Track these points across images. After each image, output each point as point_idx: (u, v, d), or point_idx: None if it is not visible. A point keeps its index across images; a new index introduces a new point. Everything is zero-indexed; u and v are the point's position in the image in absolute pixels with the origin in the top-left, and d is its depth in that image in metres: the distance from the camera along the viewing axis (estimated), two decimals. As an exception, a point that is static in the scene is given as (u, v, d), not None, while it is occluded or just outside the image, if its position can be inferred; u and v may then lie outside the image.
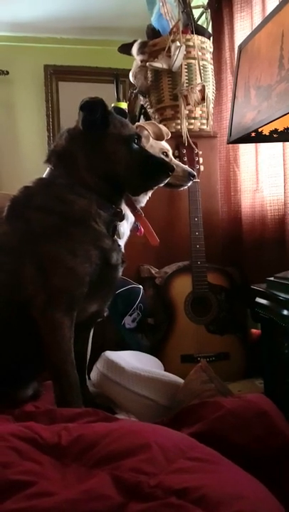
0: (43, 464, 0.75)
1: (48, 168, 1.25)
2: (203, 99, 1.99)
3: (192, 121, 2.05)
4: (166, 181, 1.32)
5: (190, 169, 1.72)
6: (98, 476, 0.70)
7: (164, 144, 1.71)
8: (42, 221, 1.15)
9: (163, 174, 1.28)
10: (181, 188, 1.73)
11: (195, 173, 1.74)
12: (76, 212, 1.16)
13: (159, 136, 1.61)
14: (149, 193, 1.63)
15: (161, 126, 1.66)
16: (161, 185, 1.36)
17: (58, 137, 1.26)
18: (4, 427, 0.89)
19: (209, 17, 2.26)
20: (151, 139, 1.62)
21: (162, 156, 1.65)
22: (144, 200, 1.63)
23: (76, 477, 0.73)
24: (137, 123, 1.87)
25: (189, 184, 1.72)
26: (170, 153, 1.73)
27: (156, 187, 1.39)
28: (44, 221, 1.15)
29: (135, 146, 1.23)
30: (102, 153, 1.20)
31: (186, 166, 1.74)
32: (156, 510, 0.62)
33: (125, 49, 2.15)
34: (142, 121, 2.25)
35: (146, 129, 1.59)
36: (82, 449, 0.78)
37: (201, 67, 2.01)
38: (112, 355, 1.43)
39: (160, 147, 1.68)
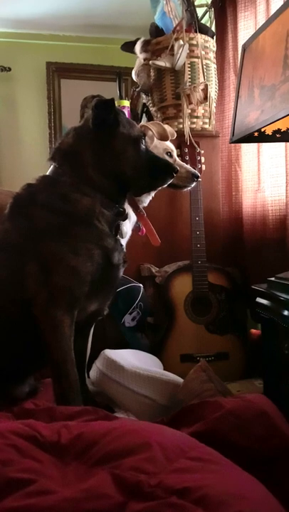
0: (43, 462, 0.75)
1: (51, 166, 1.24)
2: (205, 98, 1.98)
3: (194, 120, 2.04)
4: (169, 182, 1.33)
5: (194, 170, 1.72)
6: (98, 474, 0.70)
7: (169, 144, 1.70)
8: (45, 219, 1.15)
9: (167, 175, 1.29)
10: (185, 189, 1.73)
11: (199, 174, 1.74)
12: (80, 211, 1.16)
13: (163, 137, 1.61)
14: (152, 194, 1.64)
15: (166, 126, 1.66)
16: (165, 185, 1.37)
17: (64, 135, 1.26)
18: (4, 425, 0.88)
19: (213, 16, 2.25)
20: (155, 139, 1.62)
21: (166, 157, 1.65)
22: (147, 200, 1.64)
23: (76, 475, 0.72)
24: (141, 123, 1.86)
25: (193, 185, 1.72)
26: (174, 153, 1.72)
27: (160, 188, 1.40)
28: (47, 219, 1.15)
29: (142, 146, 1.24)
30: (110, 152, 1.20)
31: (190, 167, 1.74)
32: (157, 510, 0.62)
33: (128, 47, 2.14)
34: (144, 121, 2.25)
35: (151, 130, 1.59)
36: (82, 447, 0.78)
37: (204, 66, 2.00)
38: (111, 353, 1.43)
39: (164, 147, 1.67)
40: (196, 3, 2.08)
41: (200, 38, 2.00)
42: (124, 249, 1.32)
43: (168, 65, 1.95)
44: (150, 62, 2.00)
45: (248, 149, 1.98)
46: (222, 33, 2.18)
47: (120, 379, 1.34)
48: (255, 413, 0.94)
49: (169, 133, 1.64)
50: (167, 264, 1.97)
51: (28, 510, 0.62)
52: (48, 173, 1.24)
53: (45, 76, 3.33)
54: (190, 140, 1.94)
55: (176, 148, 1.86)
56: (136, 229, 1.65)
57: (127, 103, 2.14)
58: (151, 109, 2.18)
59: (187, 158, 1.90)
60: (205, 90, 1.97)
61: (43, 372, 1.32)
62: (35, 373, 1.33)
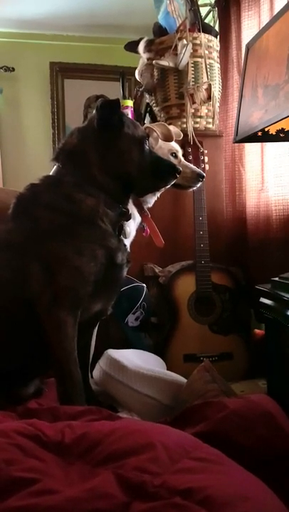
0: (46, 462, 0.75)
1: (55, 166, 1.25)
2: (209, 97, 1.98)
3: (198, 120, 2.04)
4: (172, 183, 1.34)
5: (199, 170, 1.72)
6: (102, 474, 0.70)
7: (174, 145, 1.70)
8: (49, 219, 1.15)
9: (170, 176, 1.30)
10: (190, 189, 1.73)
11: (204, 174, 1.74)
12: (84, 211, 1.16)
13: (168, 138, 1.61)
14: (158, 194, 1.64)
15: (171, 127, 1.66)
16: (168, 186, 1.37)
17: (68, 136, 1.26)
18: (8, 424, 0.88)
19: (216, 15, 2.25)
20: (160, 140, 1.62)
21: (171, 157, 1.65)
22: (151, 200, 1.64)
23: (80, 475, 0.72)
24: (145, 124, 1.86)
25: (198, 185, 1.72)
26: (179, 154, 1.72)
27: (163, 188, 1.40)
28: (51, 219, 1.15)
29: (146, 147, 1.24)
30: (115, 152, 1.20)
31: (195, 167, 1.74)
32: (161, 510, 0.61)
33: (132, 47, 2.14)
34: (147, 121, 2.24)
35: (155, 131, 1.59)
36: (86, 447, 0.78)
37: (208, 66, 2.00)
38: (115, 353, 1.42)
39: (169, 148, 1.67)
40: (199, 3, 2.08)
41: (203, 37, 2.00)
42: (128, 250, 1.32)
43: (171, 64, 1.95)
44: (153, 61, 2.00)
45: (251, 149, 1.97)
46: (225, 33, 2.17)
47: (124, 379, 1.34)
48: (258, 413, 0.94)
49: (175, 133, 1.64)
50: (171, 264, 1.97)
51: (31, 509, 0.62)
52: (51, 173, 1.25)
53: (48, 76, 3.34)
54: (193, 140, 1.94)
55: (180, 147, 1.86)
56: (140, 229, 1.65)
57: (130, 103, 2.14)
58: (154, 108, 2.18)
59: (191, 157, 1.90)
60: (208, 90, 1.97)
61: (47, 373, 1.32)
62: (41, 375, 1.33)
